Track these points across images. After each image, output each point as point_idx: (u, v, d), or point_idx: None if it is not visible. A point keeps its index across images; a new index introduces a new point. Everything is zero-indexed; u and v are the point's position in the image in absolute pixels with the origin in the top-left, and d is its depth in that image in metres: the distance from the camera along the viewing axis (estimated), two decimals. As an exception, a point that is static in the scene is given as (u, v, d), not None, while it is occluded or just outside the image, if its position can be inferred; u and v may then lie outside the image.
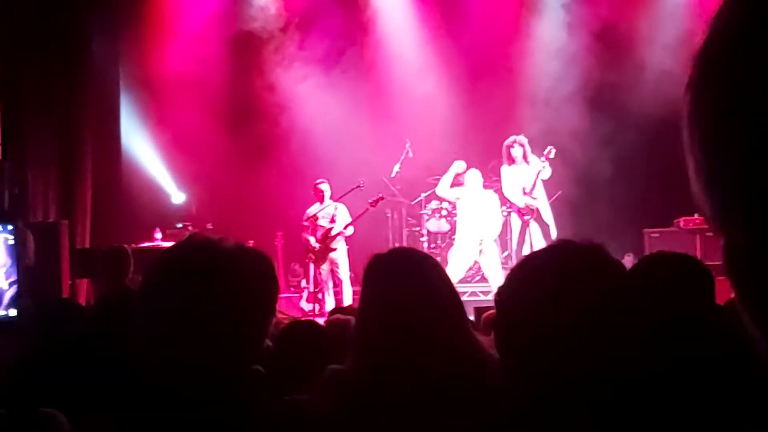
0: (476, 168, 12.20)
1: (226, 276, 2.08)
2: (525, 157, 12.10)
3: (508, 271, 2.04)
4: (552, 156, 11.95)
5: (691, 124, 0.80)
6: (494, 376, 2.12)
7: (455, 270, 11.85)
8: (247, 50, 14.91)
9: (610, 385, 1.78)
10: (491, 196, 12.04)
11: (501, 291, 2.01)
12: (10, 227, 7.21)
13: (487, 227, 11.87)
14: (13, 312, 6.74)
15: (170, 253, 2.20)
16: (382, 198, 12.56)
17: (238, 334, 2.09)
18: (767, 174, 0.73)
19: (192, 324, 2.03)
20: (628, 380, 1.79)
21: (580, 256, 1.93)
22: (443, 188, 12.17)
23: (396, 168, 13.45)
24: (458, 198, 12.09)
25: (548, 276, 1.89)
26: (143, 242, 11.22)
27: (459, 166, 12.18)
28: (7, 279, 6.92)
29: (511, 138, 12.20)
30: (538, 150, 12.17)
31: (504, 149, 12.20)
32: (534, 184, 12.06)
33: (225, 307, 2.06)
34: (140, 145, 14.78)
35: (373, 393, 2.26)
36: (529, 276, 1.94)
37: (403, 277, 2.41)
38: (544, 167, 12.01)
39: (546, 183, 12.22)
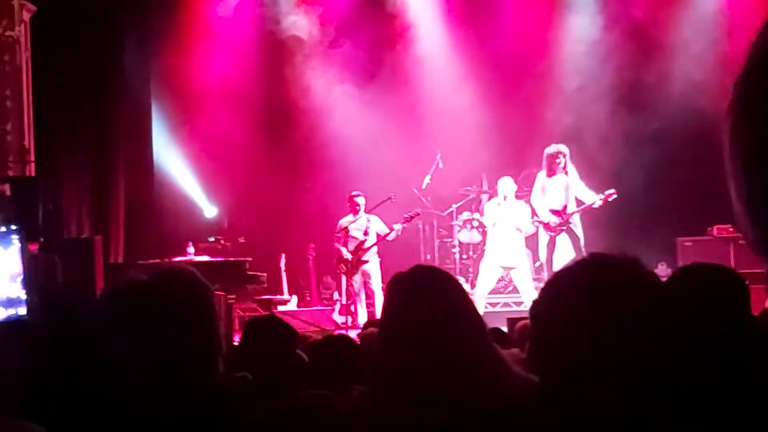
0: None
1: (152, 308, 2.26)
2: (565, 167, 11.97)
3: (540, 283, 2.04)
4: (611, 200, 11.83)
5: (732, 148, 0.78)
6: (521, 395, 2.11)
7: (486, 280, 11.80)
8: (279, 62, 14.92)
9: (649, 401, 1.77)
10: (523, 206, 11.94)
11: (535, 306, 2.00)
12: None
13: (518, 238, 11.77)
14: (22, 310, 6.83)
15: (106, 300, 2.41)
16: (417, 214, 12.55)
17: (184, 354, 2.24)
18: None
19: (136, 355, 2.20)
20: (668, 396, 1.78)
21: (615, 269, 1.91)
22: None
23: (427, 179, 13.42)
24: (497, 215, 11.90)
25: (583, 291, 1.88)
26: (176, 256, 11.25)
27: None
28: (23, 289, 7.02)
29: (554, 148, 11.98)
30: (596, 185, 12.07)
31: (547, 158, 11.96)
32: (576, 208, 11.94)
33: (165, 335, 2.23)
34: (172, 158, 14.85)
35: (393, 414, 2.26)
36: (563, 291, 1.92)
37: (423, 297, 2.41)
38: (595, 203, 11.84)
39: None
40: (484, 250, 12.74)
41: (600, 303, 1.84)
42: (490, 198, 12.72)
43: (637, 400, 1.77)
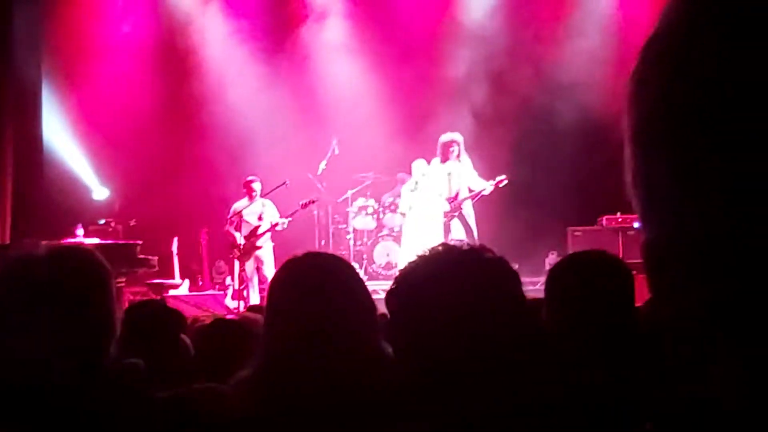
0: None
1: (46, 285, 2.19)
2: (458, 155, 12.13)
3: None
4: (502, 186, 12.00)
5: (626, 121, 0.80)
6: (397, 378, 2.12)
7: (415, 245, 11.85)
8: (172, 43, 14.76)
9: (514, 396, 1.77)
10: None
11: (388, 297, 2.00)
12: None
13: (433, 213, 11.91)
14: None
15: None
16: (313, 201, 12.50)
17: (74, 334, 2.17)
18: (682, 177, 0.73)
19: (28, 333, 2.12)
20: (537, 389, 1.78)
21: (465, 260, 1.92)
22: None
23: (322, 165, 13.40)
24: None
25: (430, 282, 1.88)
26: (64, 238, 10.98)
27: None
28: None
29: (449, 136, 12.15)
30: (485, 169, 12.22)
31: (441, 147, 12.13)
32: (468, 195, 12.11)
33: (56, 312, 2.16)
34: (62, 138, 14.51)
35: (279, 397, 2.24)
36: (413, 282, 1.92)
37: (313, 283, 2.39)
38: (486, 189, 12.01)
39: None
40: (378, 237, 12.83)
41: (447, 293, 1.85)
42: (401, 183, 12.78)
43: (500, 397, 1.77)
